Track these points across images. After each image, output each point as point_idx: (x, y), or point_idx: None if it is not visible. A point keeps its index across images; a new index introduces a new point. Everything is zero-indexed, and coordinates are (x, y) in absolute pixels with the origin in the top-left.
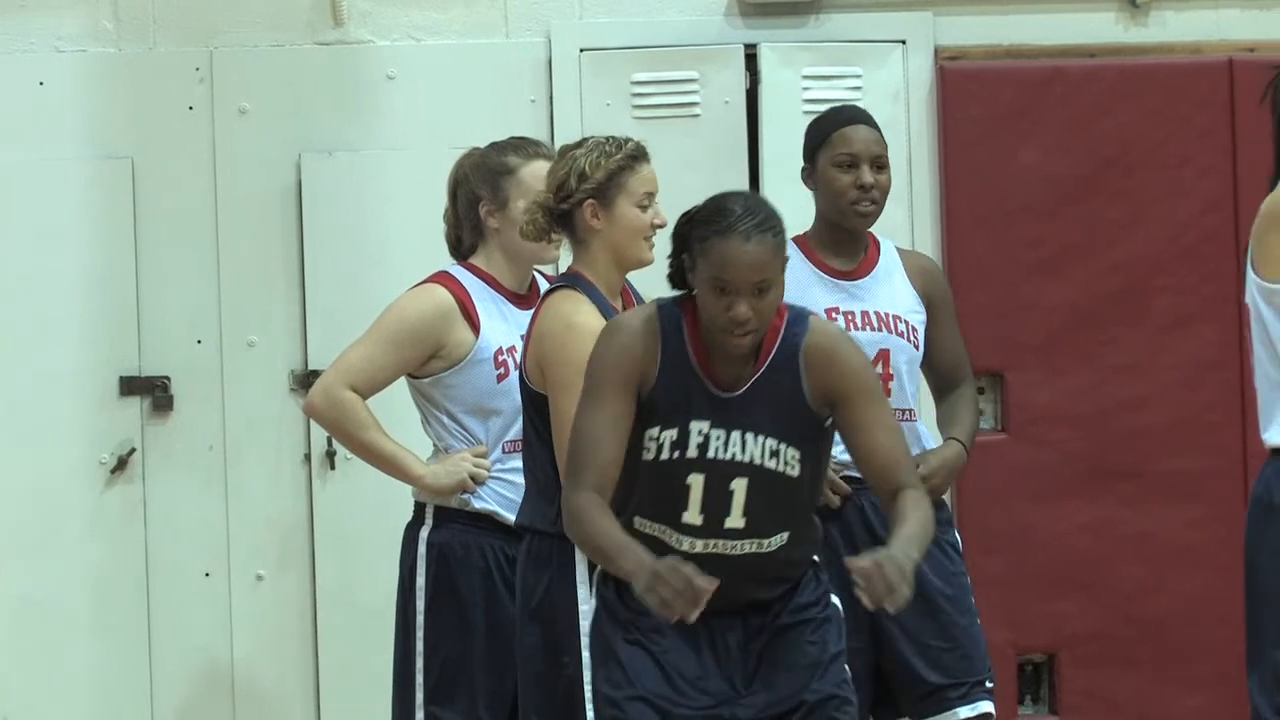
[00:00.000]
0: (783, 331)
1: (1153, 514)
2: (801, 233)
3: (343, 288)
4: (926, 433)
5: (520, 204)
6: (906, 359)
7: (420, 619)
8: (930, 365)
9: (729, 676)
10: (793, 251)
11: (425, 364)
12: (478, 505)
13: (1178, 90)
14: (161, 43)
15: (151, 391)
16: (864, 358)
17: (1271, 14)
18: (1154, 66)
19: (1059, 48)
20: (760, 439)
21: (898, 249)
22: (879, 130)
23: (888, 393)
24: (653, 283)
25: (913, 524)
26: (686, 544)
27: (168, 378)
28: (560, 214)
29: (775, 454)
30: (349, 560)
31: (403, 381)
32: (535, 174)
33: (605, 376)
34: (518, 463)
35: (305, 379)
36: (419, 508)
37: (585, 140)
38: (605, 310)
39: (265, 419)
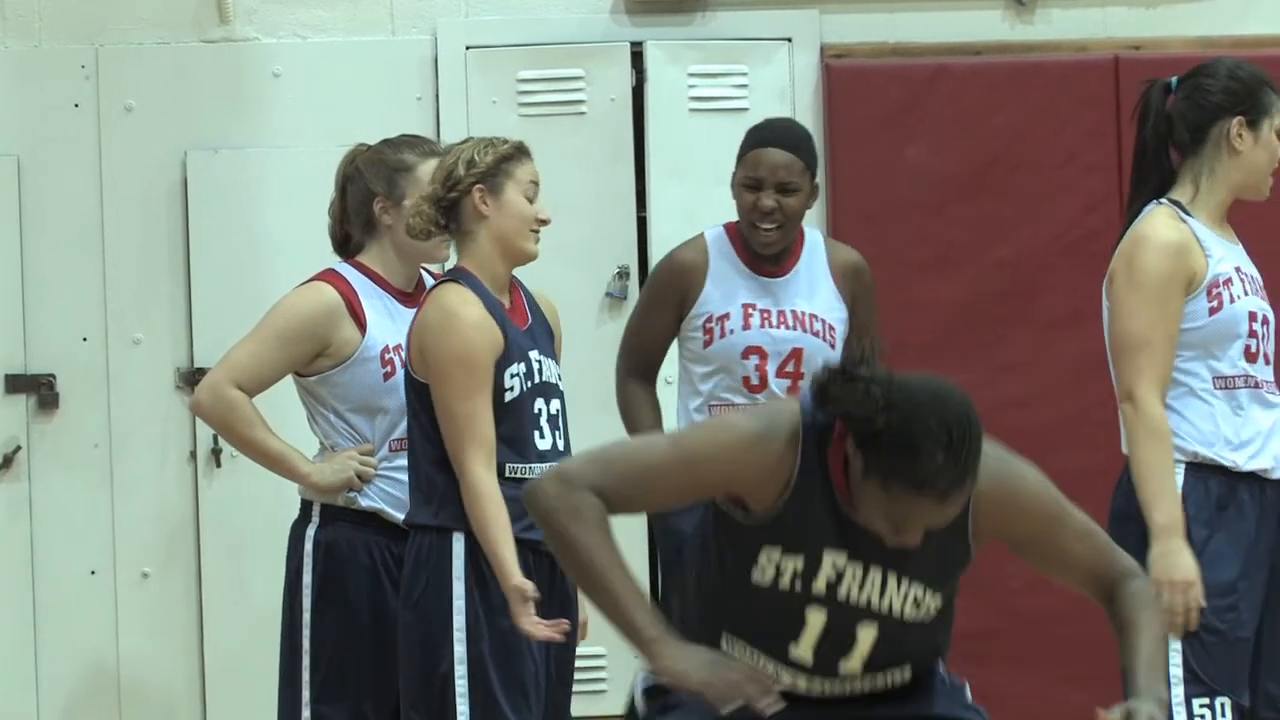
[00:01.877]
0: None
1: None
2: (736, 220)
3: (229, 285)
4: None
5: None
6: (822, 357)
7: (307, 617)
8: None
9: None
10: (720, 241)
11: (312, 362)
12: (364, 504)
13: (1064, 88)
14: (47, 40)
15: (37, 389)
16: (1040, 481)
17: (1156, 12)
18: (1040, 64)
19: (945, 45)
20: (905, 584)
21: (827, 242)
22: (800, 150)
23: (797, 391)
24: (543, 276)
25: (1147, 640)
26: (788, 677)
27: (53, 375)
28: (447, 205)
29: (918, 602)
30: (235, 557)
31: (289, 379)
32: (431, 172)
33: (703, 454)
34: (404, 460)
35: (191, 376)
36: (305, 505)
37: (469, 138)
38: (491, 305)
39: (151, 417)
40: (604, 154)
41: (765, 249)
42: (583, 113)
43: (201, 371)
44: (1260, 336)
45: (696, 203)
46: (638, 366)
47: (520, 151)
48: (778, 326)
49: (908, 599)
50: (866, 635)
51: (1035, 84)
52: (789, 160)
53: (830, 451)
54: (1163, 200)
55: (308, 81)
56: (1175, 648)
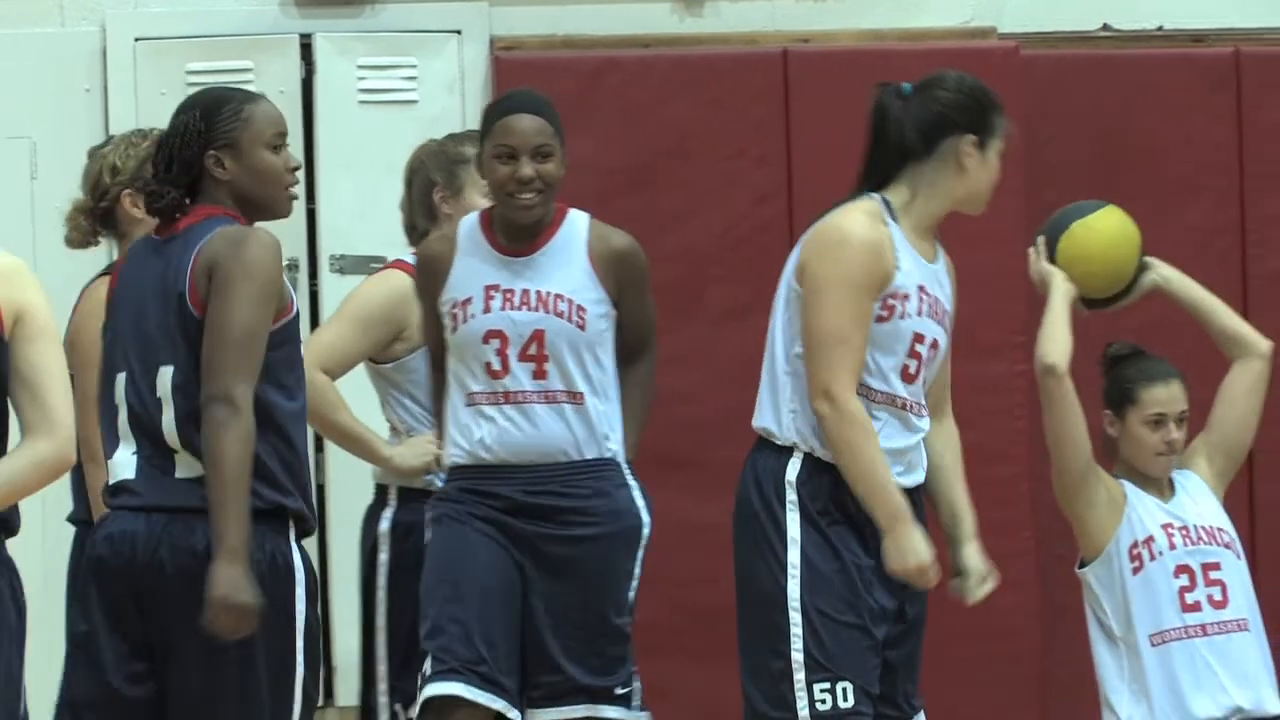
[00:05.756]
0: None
1: (709, 504)
2: (490, 207)
3: None
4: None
5: (474, 193)
6: (566, 339)
7: (382, 594)
8: (619, 339)
9: None
10: (470, 226)
11: (388, 347)
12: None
13: (733, 81)
14: None
15: None
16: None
17: (825, 5)
18: (709, 57)
19: (614, 38)
20: None
21: (593, 223)
22: (550, 116)
23: (544, 375)
24: None
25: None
26: None
27: None
28: (101, 213)
29: None
30: None
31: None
32: None
33: (277, 287)
34: None
35: None
36: (381, 490)
37: (111, 138)
38: None
39: None
40: None
41: (526, 217)
42: None
43: None
44: (923, 360)
45: (366, 195)
46: (436, 365)
47: None
48: (519, 308)
49: None
50: None
51: (704, 77)
52: (541, 125)
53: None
54: (876, 195)
55: None
56: (798, 633)
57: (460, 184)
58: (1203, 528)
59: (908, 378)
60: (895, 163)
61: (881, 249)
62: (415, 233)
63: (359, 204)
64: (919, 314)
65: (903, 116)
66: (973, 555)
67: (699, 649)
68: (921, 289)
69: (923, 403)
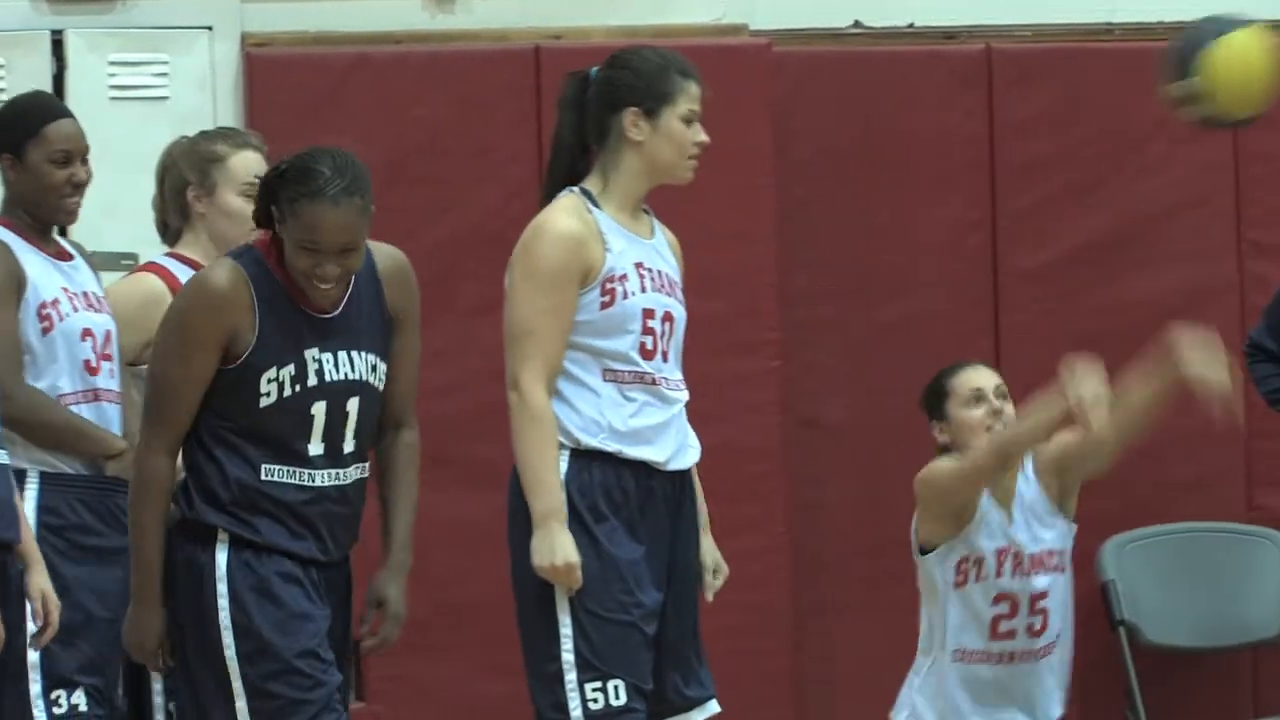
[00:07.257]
0: None
1: (462, 501)
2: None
3: None
4: None
5: (227, 192)
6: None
7: None
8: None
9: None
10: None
11: (139, 353)
12: None
13: (485, 78)
14: None
15: None
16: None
17: (577, 2)
18: (461, 54)
19: (366, 35)
20: (363, 355)
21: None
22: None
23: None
24: None
25: (407, 511)
26: (319, 479)
27: None
28: None
29: (374, 369)
30: None
31: None
32: (243, 162)
33: (197, 335)
34: None
35: None
36: None
37: None
38: None
39: None
40: None
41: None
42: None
43: None
44: (659, 334)
45: (117, 191)
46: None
47: None
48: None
49: (369, 365)
50: (354, 407)
51: (456, 74)
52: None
53: (265, 252)
54: (574, 189)
55: None
56: (567, 633)
57: (213, 183)
58: (1034, 556)
59: (647, 354)
60: (582, 152)
61: (581, 240)
62: (169, 231)
63: (109, 200)
64: (643, 290)
65: (585, 103)
66: (707, 550)
67: (460, 645)
68: (639, 265)
69: (675, 377)
